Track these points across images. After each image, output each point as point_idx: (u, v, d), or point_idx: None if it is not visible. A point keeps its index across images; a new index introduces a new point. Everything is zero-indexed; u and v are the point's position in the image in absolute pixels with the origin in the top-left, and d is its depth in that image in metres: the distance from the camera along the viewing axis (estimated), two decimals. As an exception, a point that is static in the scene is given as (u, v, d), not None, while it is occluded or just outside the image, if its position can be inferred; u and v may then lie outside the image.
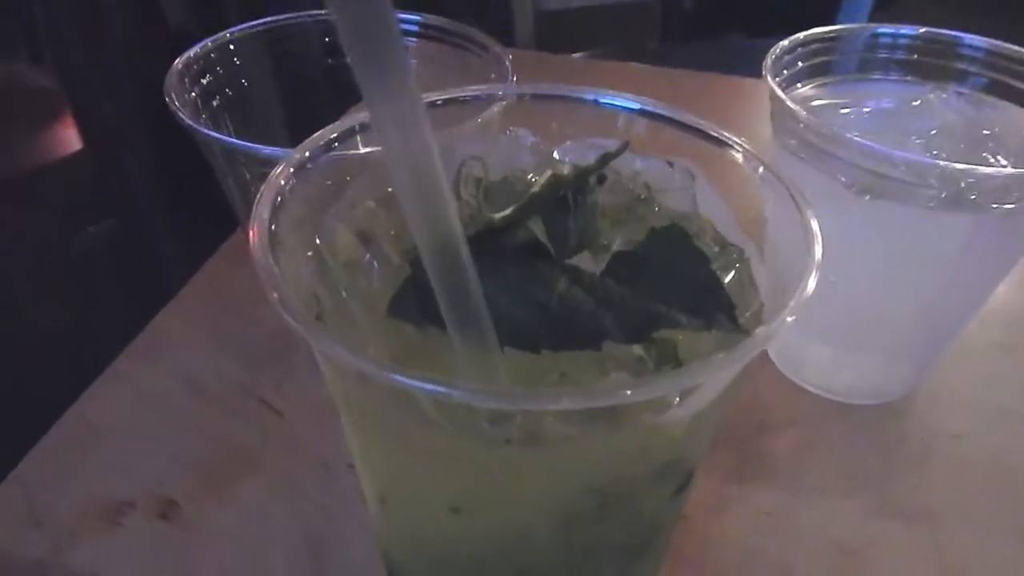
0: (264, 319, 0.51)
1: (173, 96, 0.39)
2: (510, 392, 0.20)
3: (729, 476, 0.43)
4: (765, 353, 0.51)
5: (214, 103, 0.43)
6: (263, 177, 0.26)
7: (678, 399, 0.22)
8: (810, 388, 0.48)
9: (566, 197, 0.26)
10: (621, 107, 0.31)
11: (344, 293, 0.26)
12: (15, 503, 0.41)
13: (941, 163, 0.35)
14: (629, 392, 0.19)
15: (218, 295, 0.54)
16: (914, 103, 0.45)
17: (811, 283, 0.23)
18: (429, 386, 0.20)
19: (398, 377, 0.20)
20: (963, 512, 0.42)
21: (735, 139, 0.29)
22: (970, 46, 0.45)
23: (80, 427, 0.45)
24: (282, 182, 0.26)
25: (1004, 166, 0.40)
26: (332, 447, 0.44)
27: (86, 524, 0.40)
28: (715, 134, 0.29)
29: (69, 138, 0.87)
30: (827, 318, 0.45)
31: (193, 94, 0.42)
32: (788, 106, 0.39)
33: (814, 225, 0.26)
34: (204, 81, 0.43)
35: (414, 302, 0.24)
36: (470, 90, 0.32)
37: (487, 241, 0.25)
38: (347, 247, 0.28)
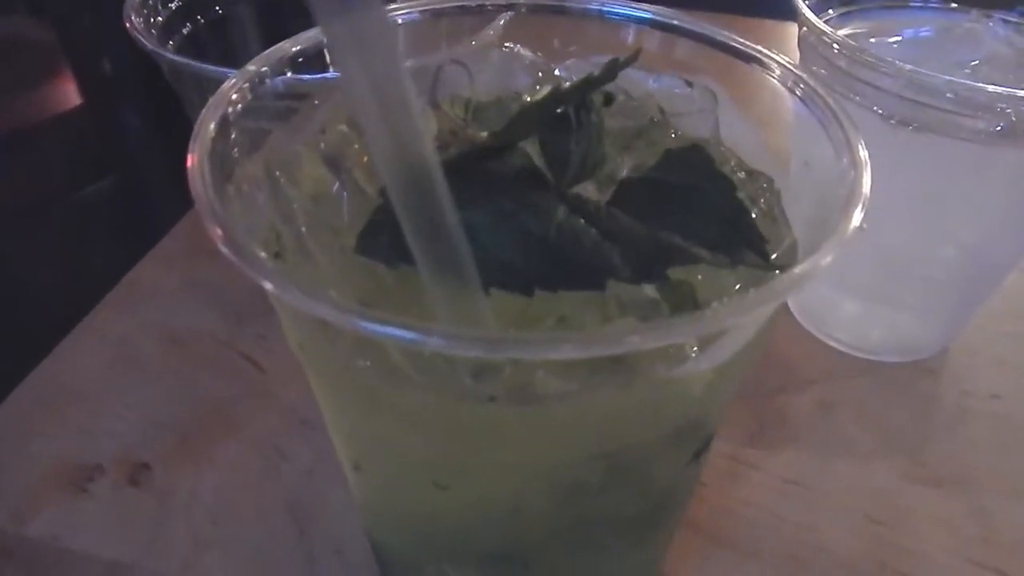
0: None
1: (134, 19, 0.35)
2: (496, 337, 0.16)
3: (746, 439, 0.40)
4: (786, 305, 0.47)
5: (184, 31, 0.39)
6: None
7: (697, 349, 0.19)
8: (835, 345, 0.45)
9: (567, 115, 0.22)
10: (631, 18, 0.27)
11: (304, 229, 0.22)
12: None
13: (1000, 90, 0.31)
14: (639, 338, 0.16)
15: (200, 244, 0.50)
16: (956, 32, 0.41)
17: (858, 215, 0.20)
18: (398, 331, 0.16)
19: (361, 322, 0.16)
20: (1003, 476, 0.39)
21: (767, 52, 0.25)
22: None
23: (48, 386, 0.42)
24: (234, 96, 0.22)
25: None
26: (318, 407, 0.41)
27: (49, 490, 0.37)
28: (742, 47, 0.25)
29: (69, 92, 0.84)
30: (856, 268, 0.42)
31: (160, 17, 0.38)
32: (819, 28, 0.35)
33: (863, 152, 0.22)
34: (172, 6, 0.39)
35: (387, 238, 0.21)
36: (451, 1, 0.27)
37: (472, 166, 0.22)
38: (314, 177, 0.24)
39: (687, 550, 0.35)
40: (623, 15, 0.27)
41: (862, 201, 0.20)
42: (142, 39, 0.34)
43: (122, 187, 0.83)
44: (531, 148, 0.22)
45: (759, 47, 0.25)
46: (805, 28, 0.37)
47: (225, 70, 0.32)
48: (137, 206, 0.85)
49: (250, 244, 0.18)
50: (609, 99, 0.25)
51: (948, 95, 0.33)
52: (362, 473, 0.25)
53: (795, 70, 0.25)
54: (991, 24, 0.41)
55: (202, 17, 0.40)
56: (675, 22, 0.26)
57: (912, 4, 0.43)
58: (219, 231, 0.18)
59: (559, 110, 0.22)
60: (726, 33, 0.26)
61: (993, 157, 0.34)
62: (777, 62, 0.25)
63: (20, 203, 0.74)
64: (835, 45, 0.35)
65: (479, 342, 0.16)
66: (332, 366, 0.21)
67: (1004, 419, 0.42)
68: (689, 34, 0.26)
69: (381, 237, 0.21)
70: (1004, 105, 0.32)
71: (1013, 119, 0.33)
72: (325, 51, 0.25)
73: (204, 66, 0.32)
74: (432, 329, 0.16)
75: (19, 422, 0.40)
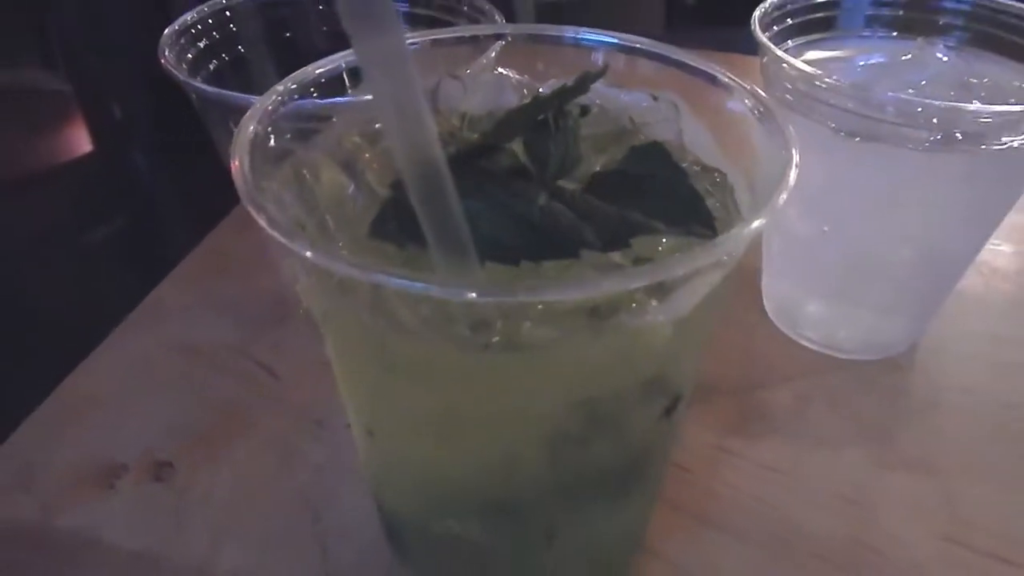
0: (263, 283, 0.51)
1: (167, 55, 0.39)
2: (487, 285, 0.20)
3: (729, 430, 0.43)
4: (761, 309, 0.50)
5: (210, 67, 0.44)
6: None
7: (657, 303, 0.22)
8: (808, 344, 0.48)
9: (547, 120, 0.26)
10: (601, 43, 0.31)
11: (328, 218, 0.26)
12: (5, 469, 0.41)
13: (927, 101, 0.35)
14: (606, 283, 0.19)
15: (218, 263, 0.54)
16: (904, 57, 0.45)
17: (783, 196, 0.23)
18: (406, 282, 0.20)
19: (376, 275, 0.20)
20: (967, 461, 0.42)
21: (720, 70, 0.29)
22: (956, 0, 0.45)
23: (75, 396, 0.45)
24: (269, 107, 0.26)
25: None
26: (328, 407, 0.44)
27: (78, 487, 0.40)
28: (699, 66, 0.29)
29: (80, 137, 0.88)
30: (822, 270, 0.45)
31: (190, 55, 0.42)
32: (776, 54, 0.39)
33: (795, 152, 0.25)
34: (200, 45, 0.43)
35: (395, 223, 0.24)
36: (451, 31, 0.32)
37: (469, 163, 0.25)
38: (332, 181, 0.28)
39: (673, 529, 0.38)
40: (594, 40, 0.31)
41: (787, 186, 0.23)
42: (175, 72, 0.38)
43: (133, 224, 0.87)
44: (517, 148, 0.26)
45: (713, 65, 0.30)
46: (766, 57, 0.42)
47: (249, 97, 0.36)
48: (147, 241, 0.89)
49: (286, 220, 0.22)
50: (585, 110, 0.29)
51: (889, 109, 0.37)
52: (375, 438, 0.29)
53: (743, 85, 0.29)
54: (935, 51, 0.45)
55: (226, 55, 0.44)
56: (637, 45, 0.30)
57: (863, 35, 0.48)
58: (263, 215, 0.22)
59: (540, 117, 0.26)
60: (684, 53, 0.30)
61: (935, 164, 0.38)
62: (729, 77, 0.29)
63: (42, 239, 0.78)
64: (792, 70, 0.39)
65: (473, 288, 0.20)
66: (352, 328, 0.25)
67: (969, 410, 0.45)
68: (650, 55, 0.30)
69: (390, 223, 0.25)
70: (941, 117, 0.36)
71: (953, 130, 0.37)
72: (344, 75, 0.30)
73: (230, 93, 0.36)
74: (434, 279, 0.20)
75: (50, 427, 0.43)
